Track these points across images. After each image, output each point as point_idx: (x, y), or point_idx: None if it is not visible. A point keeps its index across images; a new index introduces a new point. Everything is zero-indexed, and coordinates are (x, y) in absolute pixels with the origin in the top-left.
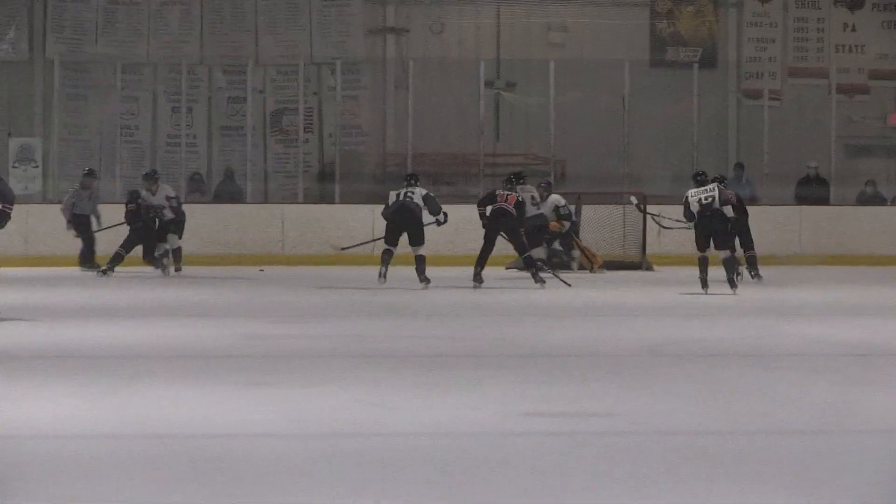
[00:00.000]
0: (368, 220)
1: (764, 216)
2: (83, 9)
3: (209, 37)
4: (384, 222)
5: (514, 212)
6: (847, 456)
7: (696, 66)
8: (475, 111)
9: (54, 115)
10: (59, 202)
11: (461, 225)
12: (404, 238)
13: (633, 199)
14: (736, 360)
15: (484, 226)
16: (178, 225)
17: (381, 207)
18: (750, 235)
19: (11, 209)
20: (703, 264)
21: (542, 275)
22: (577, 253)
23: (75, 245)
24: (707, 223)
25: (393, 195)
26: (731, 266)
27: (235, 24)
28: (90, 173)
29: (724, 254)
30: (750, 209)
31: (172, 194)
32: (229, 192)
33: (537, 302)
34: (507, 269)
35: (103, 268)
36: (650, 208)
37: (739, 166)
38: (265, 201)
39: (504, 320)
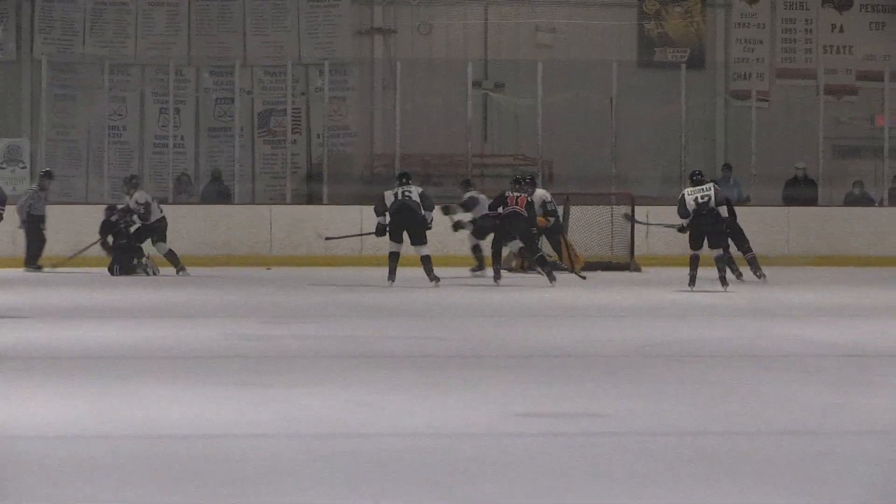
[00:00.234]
0: (356, 220)
1: (752, 217)
2: (71, 9)
3: (197, 37)
4: (373, 222)
5: (525, 213)
6: (838, 457)
7: (683, 66)
8: (463, 112)
9: (42, 116)
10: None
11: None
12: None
13: (625, 214)
14: (726, 360)
15: (497, 228)
16: (153, 231)
17: (369, 207)
18: (744, 236)
19: (3, 210)
20: (695, 262)
21: (541, 269)
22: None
23: (68, 246)
24: (702, 222)
25: (389, 195)
26: (722, 264)
27: (223, 24)
28: (47, 174)
29: (717, 252)
30: (738, 210)
31: (143, 200)
32: (217, 193)
33: (529, 303)
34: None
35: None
36: (638, 209)
37: (727, 167)
38: (253, 202)
39: (496, 321)
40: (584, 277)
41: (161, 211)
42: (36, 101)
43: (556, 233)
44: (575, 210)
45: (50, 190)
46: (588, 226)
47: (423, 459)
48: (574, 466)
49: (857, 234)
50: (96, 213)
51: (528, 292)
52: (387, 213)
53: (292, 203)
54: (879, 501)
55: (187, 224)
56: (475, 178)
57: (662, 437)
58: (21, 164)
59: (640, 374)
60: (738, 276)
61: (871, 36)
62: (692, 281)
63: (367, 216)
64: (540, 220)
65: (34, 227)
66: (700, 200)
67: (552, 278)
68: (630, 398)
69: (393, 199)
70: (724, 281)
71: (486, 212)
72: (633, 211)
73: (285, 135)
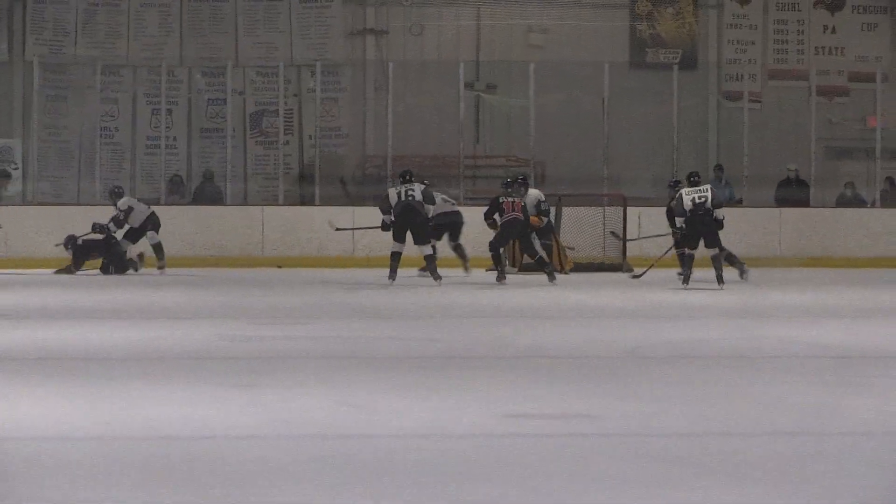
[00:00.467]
0: (348, 222)
1: (744, 218)
2: (62, 10)
3: (189, 38)
4: (369, 221)
5: (522, 217)
6: (831, 457)
7: (675, 67)
8: (455, 113)
9: (34, 117)
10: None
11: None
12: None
13: (612, 232)
14: (718, 362)
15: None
16: (143, 232)
17: (362, 208)
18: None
19: None
20: (689, 261)
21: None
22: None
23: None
24: (698, 222)
25: (393, 194)
26: (719, 263)
27: (215, 25)
28: (3, 174)
29: (713, 252)
30: (730, 211)
31: (125, 207)
32: (209, 194)
33: (520, 304)
34: (487, 270)
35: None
36: (630, 210)
37: (719, 168)
38: (245, 203)
39: (487, 322)
40: (550, 276)
41: (149, 208)
42: (28, 102)
43: (548, 233)
44: (567, 211)
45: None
46: (580, 227)
47: (417, 460)
48: (568, 468)
49: (849, 236)
50: (89, 214)
51: (521, 294)
52: (391, 212)
53: (284, 204)
54: (873, 503)
55: (179, 225)
56: (467, 178)
57: (656, 439)
58: (13, 165)
59: (633, 376)
60: (742, 271)
61: (863, 37)
62: (686, 279)
63: (358, 216)
64: (533, 219)
65: None
66: (697, 201)
67: (552, 277)
68: (624, 399)
69: (396, 198)
70: (720, 279)
71: (443, 211)
72: (624, 216)
73: (277, 136)
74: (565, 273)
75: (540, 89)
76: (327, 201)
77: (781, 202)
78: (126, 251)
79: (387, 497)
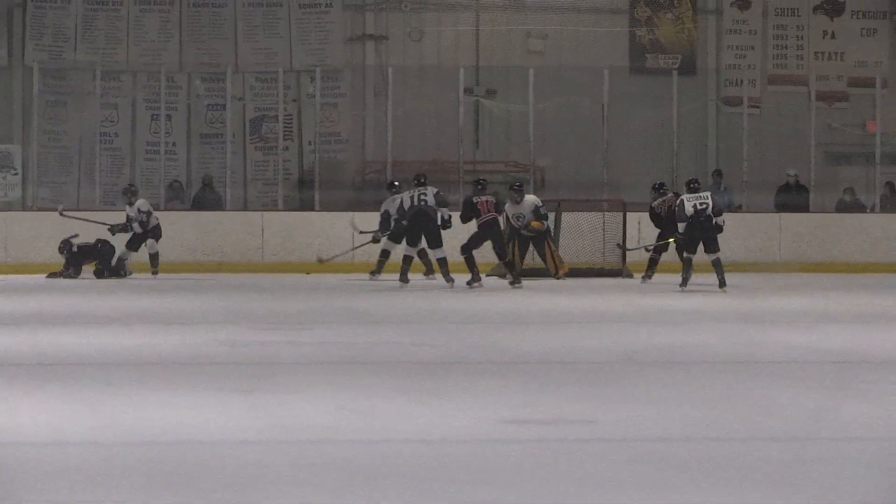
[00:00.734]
0: (348, 227)
1: (743, 224)
2: (62, 16)
3: (188, 44)
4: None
5: (497, 216)
6: (829, 462)
7: (675, 73)
8: (455, 118)
9: (33, 122)
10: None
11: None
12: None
13: (617, 244)
14: (716, 367)
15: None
16: (148, 238)
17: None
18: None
19: None
20: (688, 264)
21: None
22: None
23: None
24: (699, 227)
25: (406, 198)
26: (720, 267)
27: (214, 31)
28: None
29: (713, 257)
30: (730, 216)
31: (145, 209)
32: (208, 200)
33: (518, 309)
34: (487, 275)
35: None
36: (630, 216)
37: (718, 173)
38: (245, 209)
39: (485, 327)
40: (513, 282)
41: (156, 219)
42: (27, 107)
43: (542, 238)
44: (567, 216)
45: None
46: (580, 232)
47: (416, 465)
48: (565, 472)
49: (849, 241)
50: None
51: (519, 298)
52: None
53: (284, 209)
54: None
55: (179, 230)
56: (467, 184)
57: (653, 443)
58: (13, 171)
59: (631, 381)
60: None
61: (863, 42)
62: (685, 282)
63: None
64: (536, 224)
65: None
66: (699, 207)
67: (515, 283)
68: (621, 404)
69: (410, 203)
70: (722, 282)
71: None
72: (624, 222)
73: (277, 141)
74: (559, 278)
75: (539, 95)
76: (327, 207)
77: (781, 207)
78: (126, 259)
79: (386, 501)
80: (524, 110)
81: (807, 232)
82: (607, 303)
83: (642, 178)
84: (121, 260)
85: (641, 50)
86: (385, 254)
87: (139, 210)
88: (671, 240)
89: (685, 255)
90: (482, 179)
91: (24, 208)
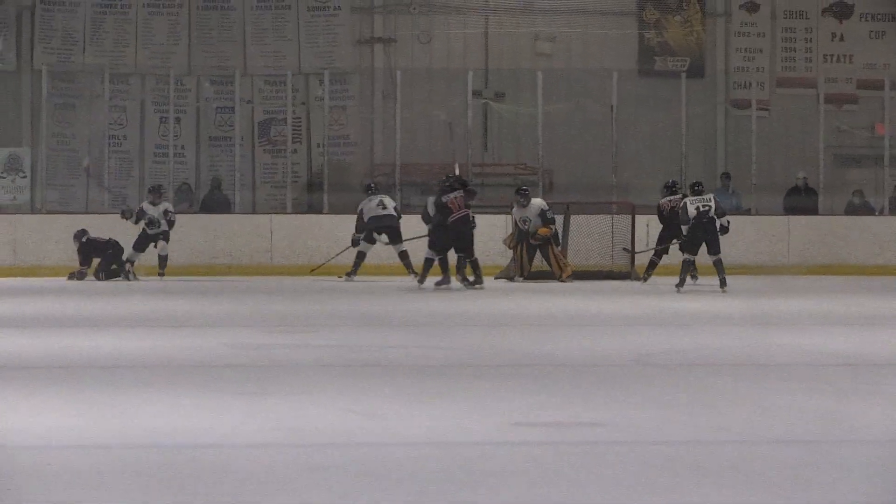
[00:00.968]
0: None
1: (752, 226)
2: (71, 19)
3: (197, 47)
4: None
5: (468, 214)
6: (838, 465)
7: (683, 75)
8: (463, 121)
9: (42, 125)
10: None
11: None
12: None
13: (624, 248)
14: (725, 369)
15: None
16: (158, 239)
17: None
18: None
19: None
20: (687, 266)
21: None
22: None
23: (65, 255)
24: (701, 229)
25: (430, 203)
26: (721, 267)
27: (223, 34)
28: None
29: (715, 257)
30: (738, 219)
31: (172, 209)
32: (217, 203)
33: (525, 311)
34: (495, 278)
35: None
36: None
37: (726, 176)
38: (253, 211)
39: (493, 330)
40: (468, 283)
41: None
42: (36, 110)
43: (547, 241)
44: (575, 219)
45: None
46: (589, 235)
47: (423, 468)
48: (573, 475)
49: (858, 243)
50: (95, 222)
51: (527, 301)
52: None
53: (293, 212)
54: None
55: (187, 233)
56: (476, 186)
57: (661, 446)
58: (22, 174)
59: (639, 383)
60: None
61: (872, 45)
62: (682, 283)
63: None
64: (543, 231)
65: None
66: (701, 209)
67: (474, 284)
68: (630, 407)
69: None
70: (723, 282)
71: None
72: (633, 224)
73: (286, 144)
74: (563, 281)
75: (548, 97)
76: (336, 209)
77: (790, 210)
78: (134, 262)
79: None
80: (532, 113)
81: (815, 234)
82: (616, 305)
83: (651, 181)
84: (127, 262)
85: (650, 52)
86: (361, 255)
87: (167, 211)
88: (673, 242)
89: (684, 256)
90: (449, 176)
91: (33, 211)
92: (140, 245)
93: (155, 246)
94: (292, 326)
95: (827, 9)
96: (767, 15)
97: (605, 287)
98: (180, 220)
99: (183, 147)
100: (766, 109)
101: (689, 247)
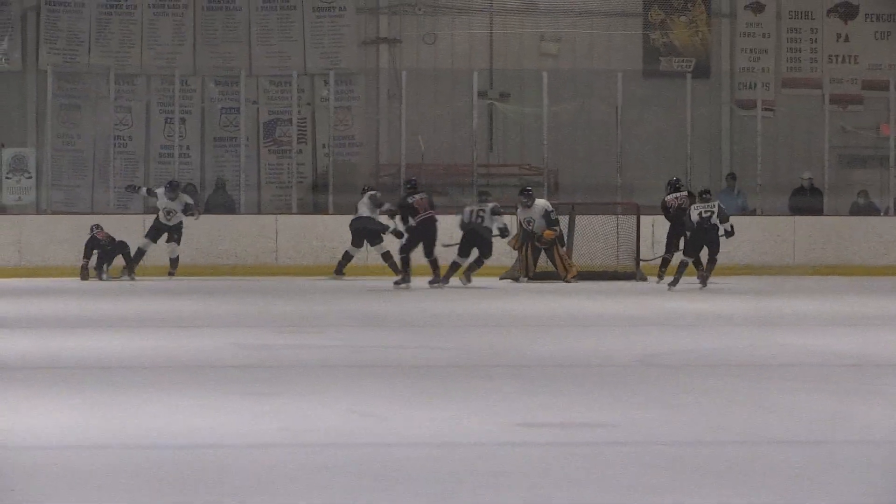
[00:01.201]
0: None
1: (758, 227)
2: (76, 19)
3: (202, 47)
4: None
5: (435, 216)
6: (842, 466)
7: (689, 76)
8: (468, 121)
9: (47, 126)
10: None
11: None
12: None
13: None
14: (729, 370)
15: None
16: (173, 231)
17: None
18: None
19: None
20: (684, 267)
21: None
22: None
23: (70, 256)
24: (703, 233)
25: (467, 213)
26: (711, 269)
27: (228, 34)
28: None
29: (710, 259)
30: (743, 219)
31: (191, 202)
32: (222, 203)
33: (529, 312)
34: (501, 279)
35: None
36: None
37: (732, 177)
38: (258, 212)
39: (496, 330)
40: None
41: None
42: (41, 111)
43: (552, 242)
44: (580, 220)
45: None
46: (594, 235)
47: (426, 469)
48: (577, 476)
49: (863, 244)
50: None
51: (532, 302)
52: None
53: (298, 213)
54: None
55: (192, 233)
56: (480, 187)
57: (665, 447)
58: (27, 174)
59: (644, 384)
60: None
61: (877, 45)
62: (676, 283)
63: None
64: (548, 233)
65: None
66: (703, 215)
67: (441, 283)
68: (634, 408)
69: (469, 217)
70: (704, 281)
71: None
72: (638, 225)
73: (291, 144)
74: (568, 281)
75: (553, 98)
76: (341, 210)
77: (795, 210)
78: (145, 251)
79: None
80: (538, 113)
81: (821, 235)
82: (620, 306)
83: (656, 182)
84: (140, 251)
85: (655, 53)
86: (348, 256)
87: (187, 203)
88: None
89: (683, 258)
90: (413, 179)
91: (38, 212)
92: (153, 234)
93: (168, 240)
94: (297, 327)
95: (832, 9)
96: (773, 15)
97: (609, 288)
98: (185, 220)
99: (188, 148)
100: (772, 110)
101: (690, 250)
